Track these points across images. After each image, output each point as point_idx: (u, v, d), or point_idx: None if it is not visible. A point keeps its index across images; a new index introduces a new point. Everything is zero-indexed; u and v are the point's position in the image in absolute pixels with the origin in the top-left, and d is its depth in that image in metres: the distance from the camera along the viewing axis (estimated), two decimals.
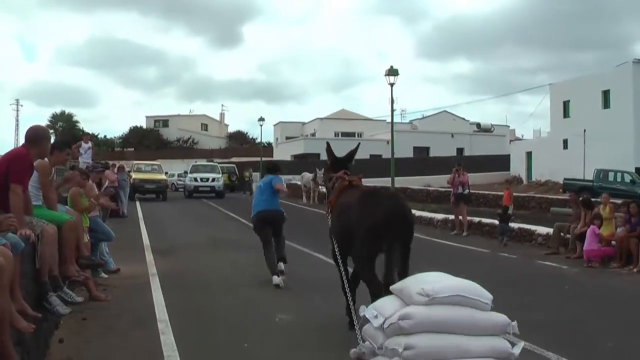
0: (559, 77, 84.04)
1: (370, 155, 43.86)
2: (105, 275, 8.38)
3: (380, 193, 5.82)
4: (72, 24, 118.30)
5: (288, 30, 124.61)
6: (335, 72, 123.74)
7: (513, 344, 3.57)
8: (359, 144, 7.05)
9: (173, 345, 5.20)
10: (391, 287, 4.02)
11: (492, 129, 55.08)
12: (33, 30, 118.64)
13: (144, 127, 72.86)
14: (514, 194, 20.55)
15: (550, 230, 12.58)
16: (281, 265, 8.43)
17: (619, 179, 27.25)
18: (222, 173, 33.11)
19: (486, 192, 27.30)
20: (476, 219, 15.56)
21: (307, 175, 27.65)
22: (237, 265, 9.88)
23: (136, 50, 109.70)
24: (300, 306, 6.93)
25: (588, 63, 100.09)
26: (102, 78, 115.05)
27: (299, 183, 29.94)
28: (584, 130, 31.69)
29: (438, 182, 31.28)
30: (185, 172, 34.69)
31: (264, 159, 43.35)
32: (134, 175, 26.26)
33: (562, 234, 12.22)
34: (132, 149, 66.36)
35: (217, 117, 77.56)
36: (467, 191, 15.62)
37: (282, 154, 51.42)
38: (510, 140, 50.23)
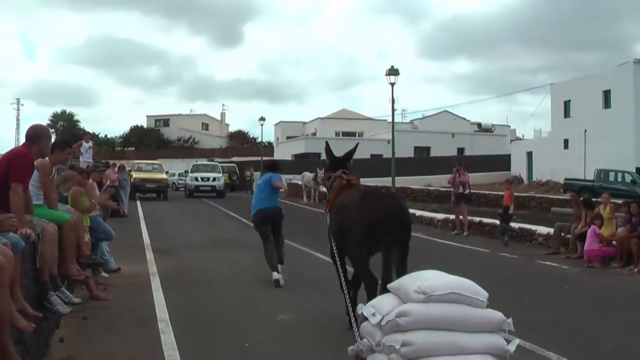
0: (559, 77, 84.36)
1: (371, 155, 43.87)
2: (106, 275, 8.38)
3: (379, 192, 5.98)
4: (73, 23, 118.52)
5: (289, 30, 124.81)
6: (336, 71, 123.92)
7: (508, 341, 3.61)
8: (357, 144, 7.11)
9: (173, 345, 5.19)
10: (389, 285, 4.05)
11: (493, 128, 55.05)
12: (34, 29, 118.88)
13: (145, 126, 72.89)
14: (515, 193, 20.54)
15: (551, 230, 12.58)
16: (278, 266, 8.43)
17: (619, 179, 27.23)
18: (223, 172, 33.13)
19: (487, 192, 27.29)
20: (477, 219, 15.56)
21: (308, 175, 27.65)
22: (237, 265, 9.88)
23: (137, 50, 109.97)
24: (300, 306, 6.93)
25: (589, 63, 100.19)
26: (103, 77, 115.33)
27: (300, 183, 29.95)
28: (585, 130, 31.67)
29: (439, 181, 31.27)
30: (186, 172, 34.68)
31: (264, 158, 43.35)
32: (134, 175, 26.27)
33: (562, 234, 12.22)
34: (133, 149, 66.39)
35: (218, 117, 77.62)
36: (467, 191, 15.62)
37: (282, 153, 51.40)
38: (511, 140, 50.16)
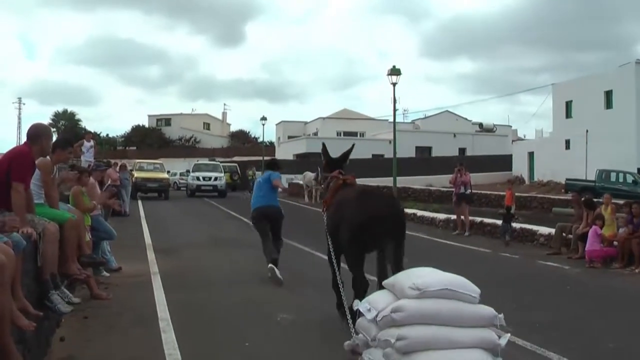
0: (561, 77, 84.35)
1: (373, 155, 43.92)
2: (107, 274, 8.39)
3: (374, 191, 6.21)
4: (74, 22, 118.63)
5: (290, 30, 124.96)
6: (337, 71, 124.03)
7: (500, 335, 3.72)
8: (353, 144, 7.30)
9: (174, 344, 5.20)
10: (384, 282, 4.21)
11: (495, 129, 55.03)
12: (35, 29, 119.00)
13: (147, 125, 72.95)
14: (516, 194, 20.53)
15: (552, 231, 12.57)
16: (275, 259, 8.47)
17: (621, 180, 27.20)
18: (224, 172, 33.16)
19: (488, 192, 27.25)
20: (478, 219, 15.54)
21: (309, 175, 27.66)
22: (238, 264, 9.88)
23: (139, 49, 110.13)
24: (301, 305, 6.93)
25: (591, 63, 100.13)
26: (104, 76, 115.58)
27: (301, 182, 29.95)
28: (587, 131, 31.61)
29: (440, 182, 31.25)
30: (188, 171, 34.72)
31: (266, 158, 43.36)
32: (136, 174, 26.29)
33: (564, 234, 12.21)
34: (135, 148, 66.41)
35: (220, 116, 77.67)
36: (469, 191, 15.61)
37: (284, 153, 51.40)
38: (513, 141, 50.09)
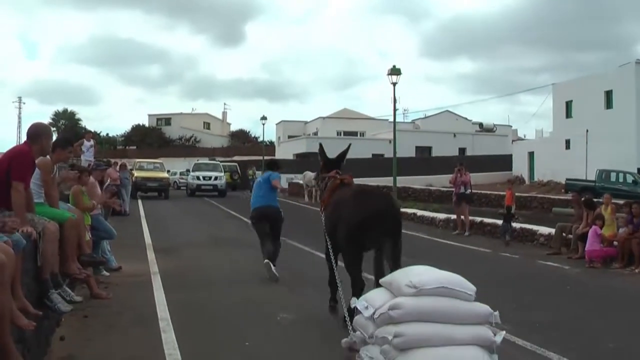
0: (561, 77, 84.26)
1: (373, 155, 43.92)
2: (107, 273, 8.38)
3: (370, 190, 6.38)
4: (75, 21, 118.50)
5: (290, 29, 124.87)
6: (337, 71, 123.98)
7: (495, 333, 3.77)
8: (349, 144, 7.32)
9: (174, 344, 5.20)
10: (381, 280, 4.26)
11: (495, 128, 55.01)
12: (36, 28, 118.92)
13: (147, 125, 72.91)
14: (516, 194, 20.52)
15: (552, 231, 12.57)
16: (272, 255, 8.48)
17: (621, 180, 27.20)
18: (225, 172, 33.15)
19: (488, 192, 27.25)
20: (478, 219, 15.55)
21: (309, 175, 27.63)
22: (238, 264, 9.88)
23: (139, 49, 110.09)
24: (301, 305, 6.93)
25: (591, 63, 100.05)
26: (104, 76, 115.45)
27: (301, 182, 29.94)
28: (587, 131, 31.61)
29: (440, 181, 31.25)
30: (188, 171, 34.73)
31: (266, 157, 43.38)
32: (136, 174, 26.28)
33: (564, 234, 12.21)
34: (135, 147, 66.40)
35: (220, 116, 77.65)
36: (469, 191, 15.61)
37: (284, 152, 51.41)
38: (513, 140, 50.09)
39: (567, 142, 34.82)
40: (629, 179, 27.21)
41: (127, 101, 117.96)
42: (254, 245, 9.16)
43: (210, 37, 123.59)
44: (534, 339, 5.54)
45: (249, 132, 76.63)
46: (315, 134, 52.77)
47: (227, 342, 5.42)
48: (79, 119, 73.86)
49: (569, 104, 36.01)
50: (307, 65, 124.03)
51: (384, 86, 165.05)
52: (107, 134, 75.57)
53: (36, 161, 5.26)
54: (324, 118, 56.85)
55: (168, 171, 32.82)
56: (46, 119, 68.08)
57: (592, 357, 5.38)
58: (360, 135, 52.92)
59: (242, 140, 73.24)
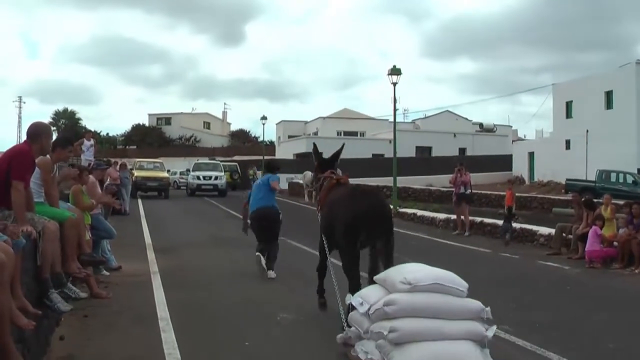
0: (562, 78, 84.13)
1: (373, 155, 43.94)
2: (107, 273, 8.39)
3: (364, 190, 6.50)
4: (75, 21, 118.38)
5: (291, 29, 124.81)
6: (338, 71, 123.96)
7: (487, 328, 3.89)
8: (343, 144, 7.36)
9: (174, 343, 5.19)
10: (375, 277, 4.41)
11: (495, 129, 55.01)
12: (36, 27, 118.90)
13: (147, 125, 72.87)
14: (516, 194, 20.51)
15: (552, 231, 12.57)
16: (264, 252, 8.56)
17: (621, 180, 27.19)
18: (225, 171, 33.14)
19: (488, 192, 27.26)
20: (478, 219, 15.55)
21: (309, 174, 27.56)
22: (238, 264, 9.88)
23: (139, 48, 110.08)
24: (301, 304, 6.92)
25: (591, 63, 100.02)
26: (105, 75, 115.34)
27: (301, 182, 29.93)
28: (587, 131, 31.61)
29: (440, 181, 31.25)
30: (188, 170, 34.73)
31: (266, 157, 43.39)
32: (136, 173, 26.30)
33: (564, 234, 12.21)
34: (135, 147, 66.38)
35: (220, 116, 77.63)
36: (469, 191, 15.61)
37: (284, 152, 51.40)
38: (513, 141, 50.10)
39: (567, 143, 34.81)
40: (629, 179, 27.20)
41: (128, 101, 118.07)
42: (254, 245, 9.15)
43: (210, 37, 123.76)
44: (534, 339, 5.54)
45: (249, 132, 76.76)
46: (316, 134, 52.77)
47: (227, 342, 5.42)
48: (79, 119, 73.91)
49: (569, 104, 36.01)
50: (308, 65, 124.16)
51: (384, 86, 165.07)
52: (107, 134, 75.67)
53: (36, 160, 5.26)
54: (324, 118, 56.85)
55: (168, 171, 32.82)
56: (46, 119, 68.05)
57: (592, 357, 5.37)
58: (361, 135, 52.92)
59: (242, 140, 73.23)
